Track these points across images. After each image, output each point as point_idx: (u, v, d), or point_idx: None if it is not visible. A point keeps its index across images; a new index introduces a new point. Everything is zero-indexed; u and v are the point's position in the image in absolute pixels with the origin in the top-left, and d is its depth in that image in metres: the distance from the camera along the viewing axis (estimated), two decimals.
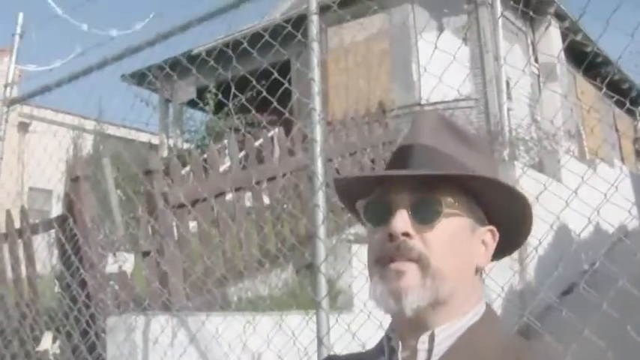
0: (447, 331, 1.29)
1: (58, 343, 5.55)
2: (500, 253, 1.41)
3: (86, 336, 4.95)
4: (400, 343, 1.33)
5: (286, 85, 3.56)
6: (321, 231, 3.09)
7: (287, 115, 3.50)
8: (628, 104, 16.66)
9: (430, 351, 1.29)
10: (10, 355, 5.99)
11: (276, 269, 6.36)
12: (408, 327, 1.32)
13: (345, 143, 8.80)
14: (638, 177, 14.65)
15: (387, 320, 1.50)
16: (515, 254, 6.26)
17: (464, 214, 1.34)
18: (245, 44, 3.95)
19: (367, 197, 1.40)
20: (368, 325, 3.14)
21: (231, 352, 4.28)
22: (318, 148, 3.12)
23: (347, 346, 3.32)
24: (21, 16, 5.45)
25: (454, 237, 1.31)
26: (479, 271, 1.36)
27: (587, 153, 16.06)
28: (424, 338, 1.30)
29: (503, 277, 3.35)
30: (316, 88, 3.15)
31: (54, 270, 7.04)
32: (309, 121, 3.22)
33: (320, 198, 3.10)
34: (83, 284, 5.25)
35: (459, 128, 1.42)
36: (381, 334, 1.44)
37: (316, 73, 3.16)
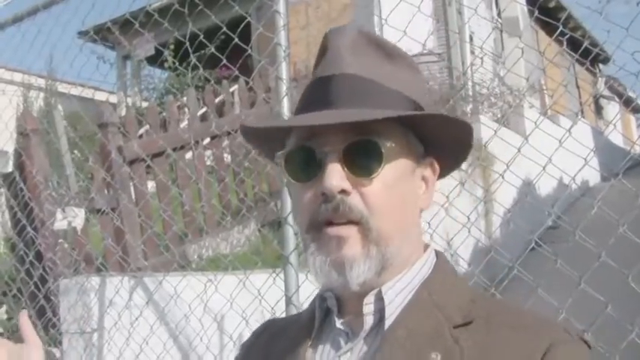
0: (395, 288, 1.13)
1: (4, 308, 5.30)
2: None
3: (35, 299, 4.70)
4: (336, 304, 1.18)
5: (248, 18, 3.27)
6: None
7: (249, 50, 3.20)
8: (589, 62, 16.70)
9: (381, 311, 1.13)
10: None
11: (238, 226, 6.15)
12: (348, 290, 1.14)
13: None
14: (598, 133, 14.83)
15: None
16: (482, 211, 6.10)
17: (404, 154, 1.14)
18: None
19: (286, 145, 1.17)
20: None
21: (191, 314, 4.07)
22: (284, 87, 2.83)
23: None
24: None
25: (396, 186, 1.12)
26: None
27: (550, 109, 16.20)
28: (369, 299, 1.13)
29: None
30: (282, 21, 2.85)
31: (3, 229, 6.79)
32: (274, 59, 2.92)
33: None
34: (32, 243, 4.98)
35: (379, 41, 1.20)
36: None
37: (282, 5, 2.86)
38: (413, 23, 3.10)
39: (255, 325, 3.48)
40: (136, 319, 4.12)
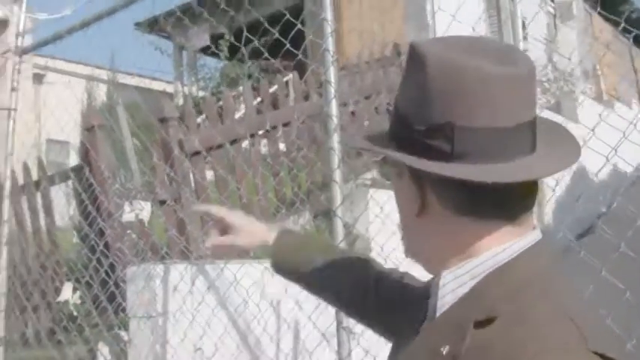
0: (453, 274, 1.19)
1: (78, 293, 5.62)
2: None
3: (105, 285, 5.01)
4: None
5: (298, 25, 3.50)
6: (337, 174, 3.06)
7: (300, 56, 3.44)
8: None
9: (435, 294, 1.23)
10: (32, 306, 6.08)
11: (294, 215, 6.37)
12: None
13: (360, 87, 8.73)
14: None
15: (404, 264, 1.55)
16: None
17: (398, 172, 1.27)
18: None
19: None
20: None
21: (249, 299, 4.33)
22: (332, 90, 3.07)
23: None
24: None
25: (396, 191, 1.30)
26: (419, 215, 1.22)
27: (605, 93, 15.96)
28: (435, 282, 1.24)
29: None
30: (329, 28, 3.09)
31: (72, 221, 7.10)
32: (322, 63, 3.16)
33: (335, 141, 3.06)
34: (101, 234, 5.29)
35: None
36: None
37: (329, 13, 3.09)
38: (464, 9, 3.27)
39: (308, 309, 3.75)
40: (199, 303, 4.40)
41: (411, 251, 1.30)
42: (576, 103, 11.20)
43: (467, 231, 1.17)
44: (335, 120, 3.08)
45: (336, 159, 3.07)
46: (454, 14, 3.21)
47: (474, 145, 1.12)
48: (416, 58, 1.17)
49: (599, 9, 15.28)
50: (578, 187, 8.26)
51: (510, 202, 1.16)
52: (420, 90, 1.15)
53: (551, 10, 15.48)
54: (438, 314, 1.20)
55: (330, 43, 3.12)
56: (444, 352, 1.11)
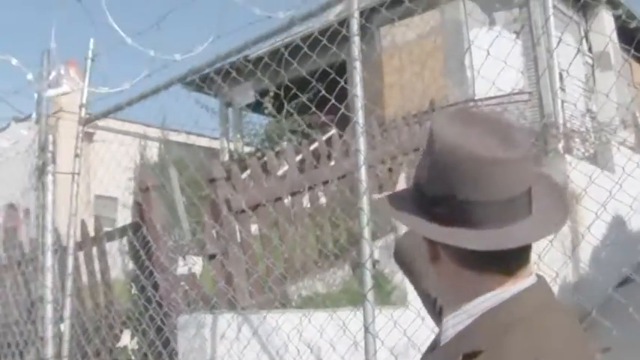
0: (454, 313, 1.39)
1: (135, 339, 6.01)
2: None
3: (160, 332, 5.39)
4: None
5: (332, 100, 3.91)
6: (366, 232, 3.42)
7: (334, 128, 3.83)
8: None
9: (441, 328, 1.44)
10: (93, 352, 6.48)
11: (333, 268, 6.73)
12: None
13: (398, 144, 9.07)
14: None
15: (423, 311, 1.85)
16: (568, 245, 6.33)
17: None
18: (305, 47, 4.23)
19: None
20: (408, 315, 3.48)
21: (289, 343, 4.70)
22: (362, 157, 3.49)
23: (389, 333, 3.70)
24: (92, 41, 5.74)
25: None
26: (433, 262, 1.43)
27: None
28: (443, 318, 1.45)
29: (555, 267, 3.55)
30: (359, 103, 3.50)
31: (127, 274, 7.52)
32: (353, 134, 3.55)
33: (364, 202, 3.43)
34: (156, 286, 5.72)
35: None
36: (418, 322, 1.73)
37: (359, 89, 3.51)
38: (502, 64, 3.58)
39: (340, 350, 4.11)
40: (244, 347, 4.77)
41: (436, 291, 1.59)
42: (612, 153, 11.20)
43: (468, 281, 1.36)
44: (364, 184, 3.46)
45: (365, 218, 3.43)
46: (493, 68, 3.50)
47: (470, 215, 1.31)
48: (430, 134, 1.37)
49: (637, 58, 15.44)
50: (615, 238, 8.33)
51: (506, 259, 1.33)
52: (430, 163, 1.36)
53: (589, 61, 15.51)
54: (441, 345, 1.41)
55: (360, 116, 3.53)
56: None
